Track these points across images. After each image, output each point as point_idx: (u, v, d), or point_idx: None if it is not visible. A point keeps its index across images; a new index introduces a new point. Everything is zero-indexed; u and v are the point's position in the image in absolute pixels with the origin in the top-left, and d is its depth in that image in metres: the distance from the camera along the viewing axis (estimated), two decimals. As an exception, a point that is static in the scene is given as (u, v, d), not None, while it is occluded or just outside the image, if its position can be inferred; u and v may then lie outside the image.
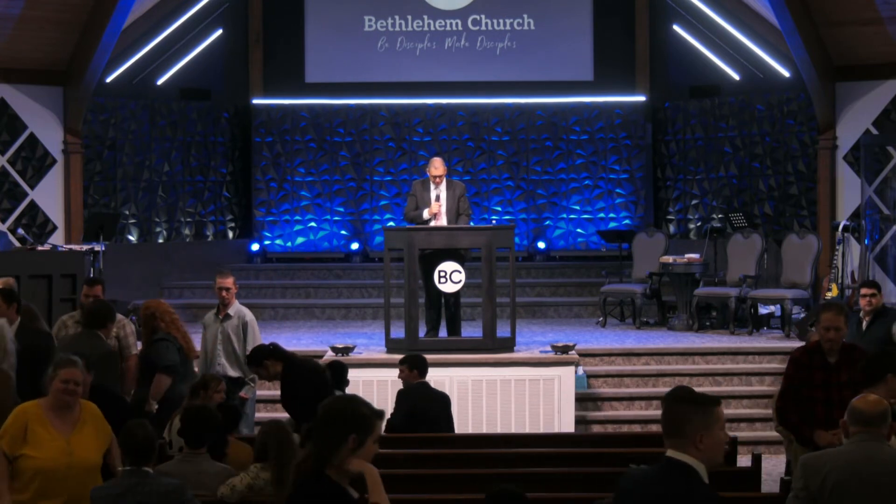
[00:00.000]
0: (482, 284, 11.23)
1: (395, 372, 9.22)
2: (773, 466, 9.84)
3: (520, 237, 16.24)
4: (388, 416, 8.59)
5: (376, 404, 4.35)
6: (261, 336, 9.72)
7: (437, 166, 11.73)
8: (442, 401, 8.92)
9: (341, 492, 4.04)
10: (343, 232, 16.70)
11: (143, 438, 5.98)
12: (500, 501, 5.29)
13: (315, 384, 7.99)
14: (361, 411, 4.13)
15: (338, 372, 8.98)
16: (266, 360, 8.27)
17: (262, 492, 6.38)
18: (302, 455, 4.10)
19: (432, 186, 11.70)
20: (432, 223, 11.58)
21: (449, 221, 11.57)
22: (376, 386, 10.49)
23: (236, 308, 9.65)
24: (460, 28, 16.66)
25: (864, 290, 9.60)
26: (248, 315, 9.66)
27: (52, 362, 6.37)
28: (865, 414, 5.17)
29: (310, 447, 4.09)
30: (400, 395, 8.80)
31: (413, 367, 8.90)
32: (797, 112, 15.08)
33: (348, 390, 9.34)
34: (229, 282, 9.62)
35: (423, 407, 8.65)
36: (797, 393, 7.19)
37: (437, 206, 11.56)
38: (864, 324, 9.54)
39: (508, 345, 11.21)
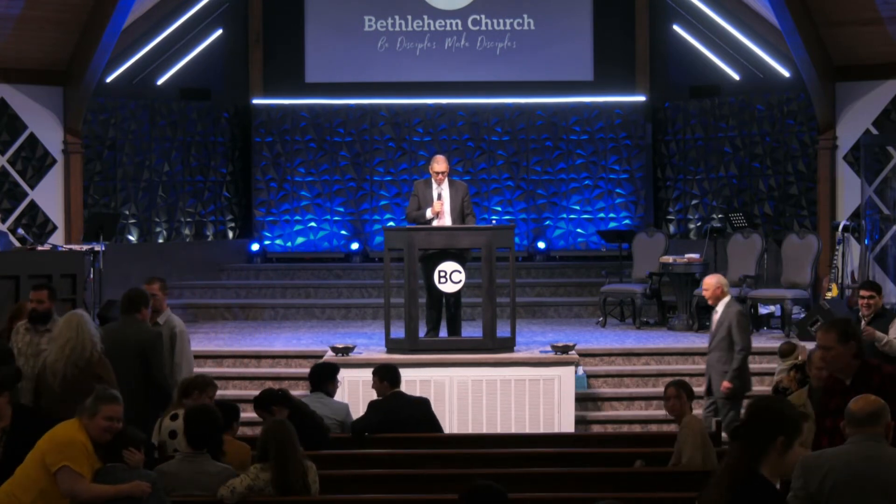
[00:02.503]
0: (482, 284, 11.23)
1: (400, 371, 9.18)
2: (773, 466, 9.83)
3: (520, 237, 16.23)
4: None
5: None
6: (191, 348, 9.27)
7: (438, 161, 11.72)
8: (419, 406, 8.80)
9: (775, 492, 3.99)
10: (343, 232, 16.70)
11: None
12: (477, 498, 5.18)
13: (316, 440, 7.88)
14: (790, 413, 4.07)
15: (328, 372, 8.94)
16: (274, 405, 7.91)
17: (263, 492, 6.38)
18: (730, 456, 4.05)
19: (434, 185, 11.69)
20: (435, 222, 11.56)
21: (453, 221, 11.55)
22: (376, 386, 10.48)
23: (167, 316, 9.08)
24: (460, 28, 16.66)
25: (862, 292, 9.58)
26: (179, 325, 9.10)
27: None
28: (857, 415, 5.16)
29: (738, 448, 4.03)
30: (371, 405, 8.68)
31: (383, 379, 8.78)
32: (797, 112, 15.08)
33: (339, 392, 9.32)
34: (155, 288, 9.05)
35: (396, 417, 8.47)
36: (819, 425, 6.08)
37: (440, 205, 11.54)
38: (863, 325, 9.54)
39: (508, 345, 11.21)
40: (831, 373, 5.99)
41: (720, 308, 9.88)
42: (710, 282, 10.06)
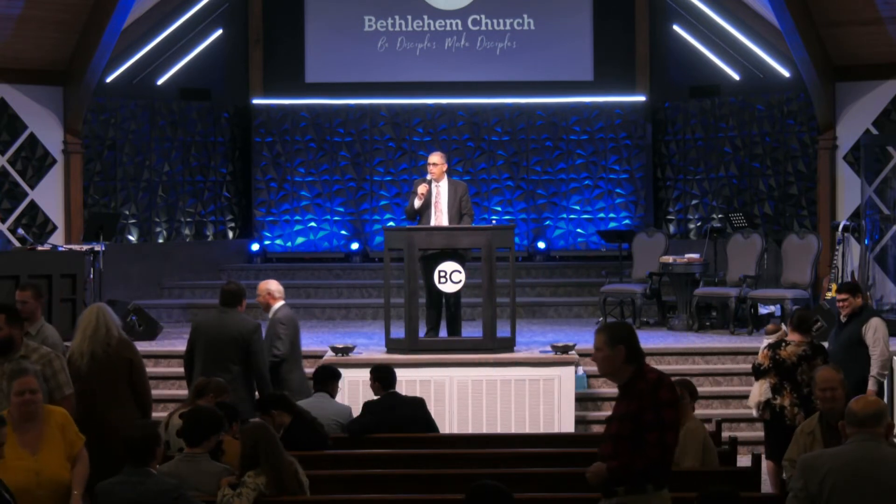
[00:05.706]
0: (482, 284, 11.22)
1: (395, 372, 9.19)
2: (773, 466, 9.83)
3: (520, 237, 16.23)
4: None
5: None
6: (65, 363, 8.95)
7: (432, 155, 11.79)
8: (413, 405, 8.79)
9: None
10: (343, 232, 16.70)
11: (143, 438, 6.02)
12: (482, 497, 5.19)
13: (314, 446, 7.83)
14: None
15: (332, 374, 8.94)
16: (274, 409, 7.87)
17: (263, 496, 6.37)
18: None
19: (434, 183, 11.68)
20: (433, 221, 11.53)
21: (450, 221, 11.54)
22: (376, 386, 10.47)
23: (40, 326, 8.22)
24: (460, 28, 16.66)
25: (838, 296, 9.68)
26: (53, 337, 8.20)
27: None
28: (858, 415, 5.17)
29: None
30: (365, 405, 8.68)
31: (376, 379, 8.79)
32: (797, 112, 15.08)
33: (340, 394, 9.32)
34: (27, 295, 8.36)
35: (389, 417, 8.46)
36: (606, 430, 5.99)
37: (425, 188, 11.53)
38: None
39: (508, 345, 11.20)
40: (603, 376, 5.93)
41: (270, 314, 9.80)
42: (264, 288, 9.84)
